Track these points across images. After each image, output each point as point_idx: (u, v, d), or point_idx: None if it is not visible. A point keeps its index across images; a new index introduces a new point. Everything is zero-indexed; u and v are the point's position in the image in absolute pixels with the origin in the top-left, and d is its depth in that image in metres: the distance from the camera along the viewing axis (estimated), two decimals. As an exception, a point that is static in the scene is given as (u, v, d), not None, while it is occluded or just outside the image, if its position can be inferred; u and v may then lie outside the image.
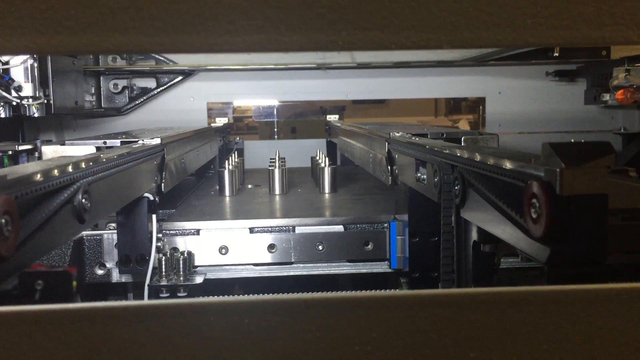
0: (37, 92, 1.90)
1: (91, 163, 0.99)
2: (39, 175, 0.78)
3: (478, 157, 0.92)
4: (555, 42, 0.58)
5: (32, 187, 0.75)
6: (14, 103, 1.87)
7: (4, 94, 1.82)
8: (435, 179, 1.09)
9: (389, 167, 1.46)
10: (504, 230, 0.81)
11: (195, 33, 0.58)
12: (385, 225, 1.46)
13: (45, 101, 1.95)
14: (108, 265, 1.40)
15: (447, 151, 1.07)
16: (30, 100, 1.88)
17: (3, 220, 0.65)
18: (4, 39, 0.54)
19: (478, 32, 0.58)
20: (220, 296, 0.85)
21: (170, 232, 1.45)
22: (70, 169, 0.89)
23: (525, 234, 0.74)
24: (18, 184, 0.72)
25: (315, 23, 0.58)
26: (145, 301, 1.06)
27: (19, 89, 1.85)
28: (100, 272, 1.41)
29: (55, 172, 0.84)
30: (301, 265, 1.46)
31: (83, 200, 0.89)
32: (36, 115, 1.92)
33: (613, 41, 0.59)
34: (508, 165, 0.80)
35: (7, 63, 1.84)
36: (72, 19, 0.54)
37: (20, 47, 0.54)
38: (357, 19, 0.58)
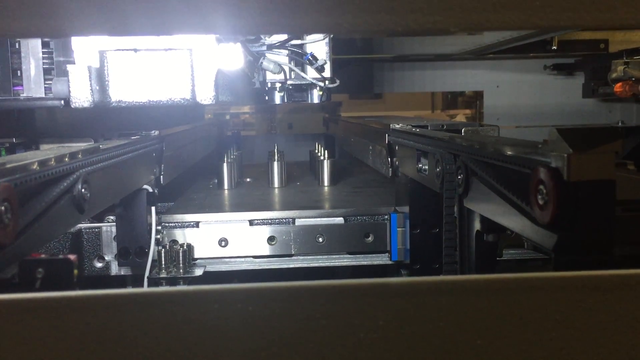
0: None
1: (90, 153, 0.98)
2: (38, 164, 0.77)
3: (483, 146, 0.91)
4: (565, 24, 0.58)
5: (32, 175, 0.74)
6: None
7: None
8: (437, 169, 1.08)
9: (389, 159, 1.45)
10: (510, 219, 0.80)
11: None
12: (386, 217, 1.46)
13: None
14: (107, 258, 1.39)
15: (450, 141, 1.06)
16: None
17: (2, 208, 0.64)
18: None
19: (486, 14, 0.57)
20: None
21: (170, 224, 1.44)
22: (69, 158, 0.88)
23: (532, 222, 0.73)
24: (17, 172, 0.71)
25: (320, 5, 0.57)
26: (148, 289, 1.04)
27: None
28: (99, 264, 1.39)
29: (55, 161, 0.83)
30: (301, 257, 1.45)
31: (83, 189, 0.88)
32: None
33: (624, 24, 0.58)
34: (514, 152, 0.80)
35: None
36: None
37: None
38: (363, 1, 0.57)
